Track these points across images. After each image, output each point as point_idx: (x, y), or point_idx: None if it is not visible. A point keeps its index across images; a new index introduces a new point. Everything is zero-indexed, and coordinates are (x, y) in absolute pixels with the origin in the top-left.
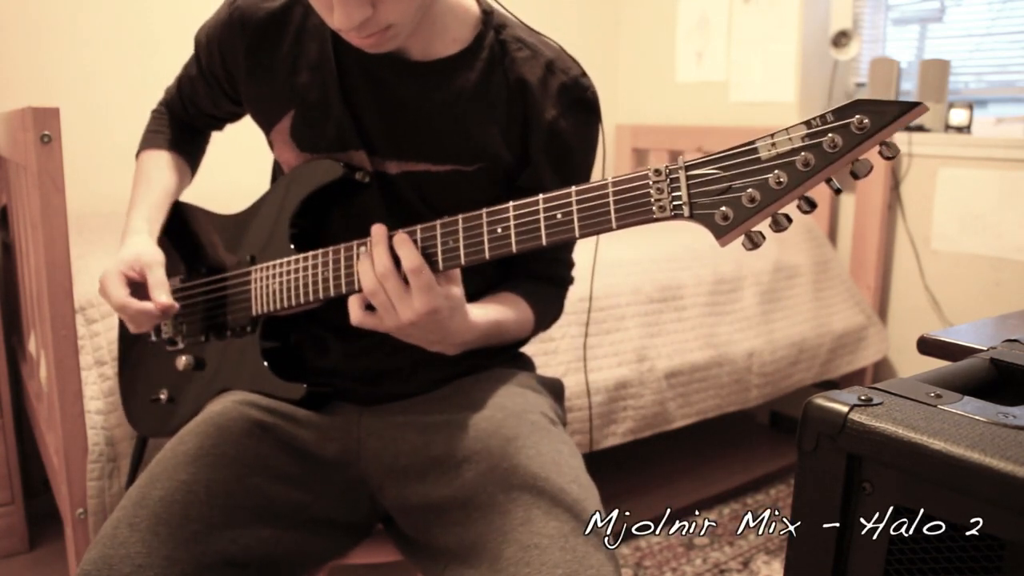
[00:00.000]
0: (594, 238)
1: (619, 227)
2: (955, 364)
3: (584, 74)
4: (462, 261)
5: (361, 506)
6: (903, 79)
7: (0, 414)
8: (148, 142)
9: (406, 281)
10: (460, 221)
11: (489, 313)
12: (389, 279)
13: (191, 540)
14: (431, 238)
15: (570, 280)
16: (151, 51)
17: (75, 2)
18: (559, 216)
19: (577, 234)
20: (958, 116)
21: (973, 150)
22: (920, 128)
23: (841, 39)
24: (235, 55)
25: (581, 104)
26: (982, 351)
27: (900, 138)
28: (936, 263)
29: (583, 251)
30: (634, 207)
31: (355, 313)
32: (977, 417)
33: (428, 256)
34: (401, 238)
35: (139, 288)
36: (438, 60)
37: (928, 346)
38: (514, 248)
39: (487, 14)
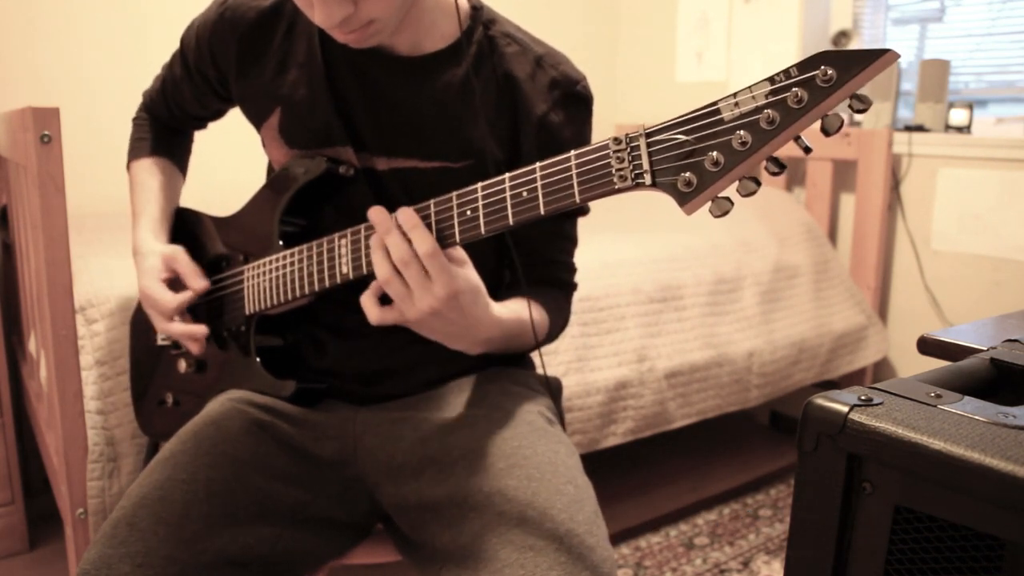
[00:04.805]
0: (597, 236)
1: (582, 200)
2: (955, 364)
3: (575, 69)
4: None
5: (360, 505)
6: (903, 79)
7: (0, 414)
8: (136, 151)
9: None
10: (432, 206)
11: (512, 308)
12: (411, 265)
13: (191, 539)
14: (438, 213)
15: (574, 285)
16: (151, 51)
17: (75, 2)
18: (524, 194)
19: (542, 211)
20: (958, 116)
21: (973, 150)
22: (920, 128)
23: (841, 39)
24: (226, 54)
25: (572, 98)
26: (982, 351)
27: (900, 138)
28: (936, 263)
29: (584, 252)
30: (595, 178)
31: (372, 312)
32: (977, 417)
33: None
34: (412, 222)
35: (175, 284)
36: (426, 55)
37: (928, 346)
38: (483, 230)
39: (476, 9)
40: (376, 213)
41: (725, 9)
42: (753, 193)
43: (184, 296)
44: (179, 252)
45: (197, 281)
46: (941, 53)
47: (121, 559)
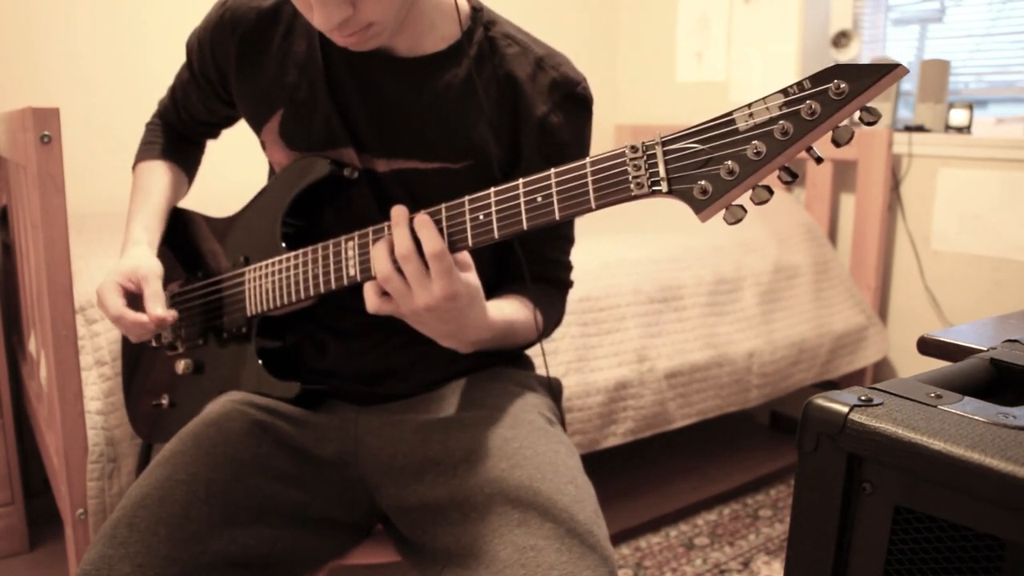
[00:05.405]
0: (597, 236)
1: (598, 207)
2: (955, 364)
3: (575, 70)
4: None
5: (360, 506)
6: (903, 79)
7: (0, 414)
8: (144, 154)
9: (426, 265)
10: (443, 210)
11: (505, 311)
12: (411, 261)
13: (190, 540)
14: (449, 218)
15: (569, 283)
16: (151, 52)
17: (75, 2)
18: (539, 199)
19: (557, 216)
20: (958, 116)
21: (973, 150)
22: (920, 128)
23: (841, 39)
24: (226, 55)
25: (572, 99)
26: (982, 351)
27: (900, 138)
28: (936, 263)
29: (584, 252)
30: (612, 185)
31: (371, 300)
32: (977, 417)
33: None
34: (423, 220)
35: (136, 299)
36: (425, 56)
37: (928, 346)
38: (496, 235)
39: (476, 11)
40: (397, 210)
41: (725, 9)
42: (766, 201)
43: (128, 314)
44: (153, 275)
45: (156, 307)
46: (941, 53)
47: (121, 559)
